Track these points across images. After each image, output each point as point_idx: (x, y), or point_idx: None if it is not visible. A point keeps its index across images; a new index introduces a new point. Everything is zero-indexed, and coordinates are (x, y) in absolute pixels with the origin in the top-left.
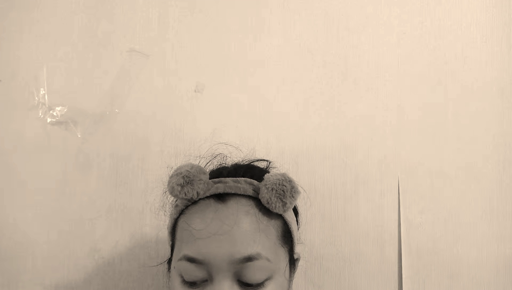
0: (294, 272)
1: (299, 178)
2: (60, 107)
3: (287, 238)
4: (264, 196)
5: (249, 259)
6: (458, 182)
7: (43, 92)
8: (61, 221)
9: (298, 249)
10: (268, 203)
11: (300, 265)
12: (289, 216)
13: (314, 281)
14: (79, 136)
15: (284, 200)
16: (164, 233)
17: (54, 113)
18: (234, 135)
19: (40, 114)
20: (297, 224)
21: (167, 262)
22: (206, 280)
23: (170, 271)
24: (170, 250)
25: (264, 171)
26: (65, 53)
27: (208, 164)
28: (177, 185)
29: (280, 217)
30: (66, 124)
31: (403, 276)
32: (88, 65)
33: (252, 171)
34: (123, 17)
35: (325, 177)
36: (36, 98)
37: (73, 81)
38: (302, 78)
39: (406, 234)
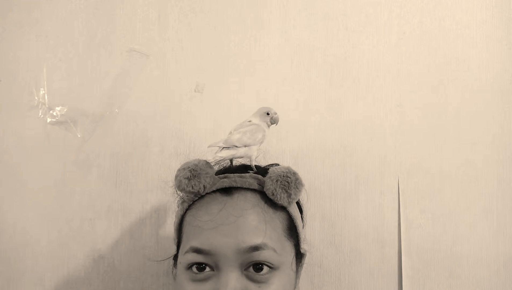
0: (301, 267)
1: None
2: (60, 107)
3: (292, 232)
4: (269, 187)
5: (255, 248)
6: (458, 182)
7: (43, 92)
8: (61, 221)
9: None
10: (273, 194)
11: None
12: (294, 211)
13: (314, 281)
14: (79, 136)
15: (289, 191)
16: (164, 233)
17: (54, 113)
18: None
19: (40, 114)
20: (302, 221)
21: (173, 258)
22: (213, 271)
23: (176, 267)
24: (176, 248)
25: (268, 168)
26: (65, 53)
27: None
28: (185, 178)
29: (284, 210)
30: (66, 124)
31: (403, 276)
32: (88, 65)
33: (256, 167)
34: (123, 17)
35: (325, 177)
36: (36, 98)
37: (73, 81)
38: (302, 78)
39: (406, 234)
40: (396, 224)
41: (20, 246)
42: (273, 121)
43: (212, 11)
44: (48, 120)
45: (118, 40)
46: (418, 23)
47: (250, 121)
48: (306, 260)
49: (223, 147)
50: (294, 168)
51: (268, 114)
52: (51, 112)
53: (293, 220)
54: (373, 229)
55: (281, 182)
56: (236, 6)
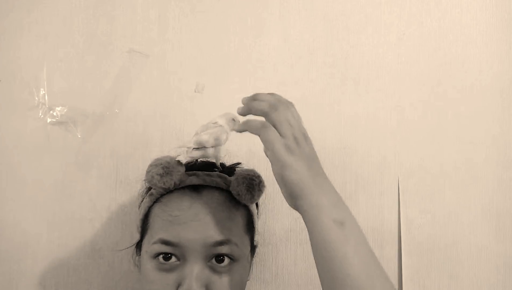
0: (253, 257)
1: None
2: (60, 107)
3: (250, 226)
4: (235, 188)
5: (220, 243)
6: (458, 182)
7: (43, 92)
8: (61, 221)
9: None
10: (238, 195)
11: (300, 265)
12: (253, 208)
13: (314, 281)
14: (79, 136)
15: (252, 192)
16: None
17: (54, 113)
18: (233, 136)
19: (40, 114)
20: (257, 215)
21: (136, 246)
22: (179, 261)
23: (140, 256)
24: (140, 236)
25: (233, 168)
26: (65, 53)
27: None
28: (157, 174)
29: (246, 208)
30: (66, 124)
31: (403, 276)
32: (88, 65)
33: (222, 166)
34: (123, 17)
35: None
36: (36, 98)
37: (73, 81)
38: (302, 78)
39: (406, 234)
40: (396, 224)
41: (20, 246)
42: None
43: (212, 11)
44: (48, 120)
45: (118, 40)
46: (418, 23)
47: (215, 123)
48: (307, 260)
49: (194, 148)
50: None
51: (234, 120)
52: (51, 112)
53: (252, 216)
54: (373, 229)
55: (246, 184)
56: (236, 6)
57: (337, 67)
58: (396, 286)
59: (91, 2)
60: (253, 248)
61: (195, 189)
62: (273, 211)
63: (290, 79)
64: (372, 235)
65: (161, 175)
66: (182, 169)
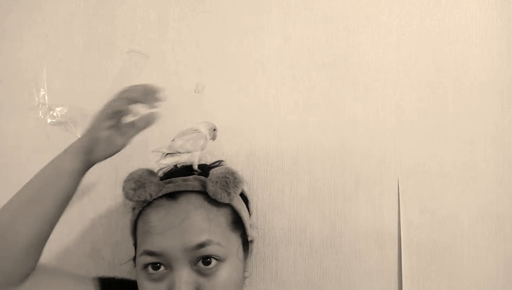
0: (250, 253)
1: (299, 178)
2: (60, 107)
3: (238, 224)
4: (210, 189)
5: (201, 245)
6: (458, 182)
7: (43, 92)
8: (61, 221)
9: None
10: (214, 195)
11: (300, 265)
12: (238, 204)
13: (314, 281)
14: (79, 136)
15: (228, 190)
16: None
17: (54, 114)
18: (234, 135)
19: (40, 115)
20: (248, 210)
21: (133, 260)
22: (166, 270)
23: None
24: (134, 250)
25: (213, 168)
26: (65, 53)
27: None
28: (130, 189)
29: (228, 206)
30: (66, 124)
31: (403, 276)
32: (88, 65)
33: (202, 166)
34: (123, 18)
35: (325, 177)
36: (36, 98)
37: (73, 81)
38: (302, 78)
39: (406, 234)
40: (396, 224)
41: None
42: (214, 138)
43: (212, 11)
44: (48, 120)
45: (118, 40)
46: (418, 23)
47: (196, 130)
48: (307, 260)
49: (167, 153)
50: (294, 168)
51: (214, 130)
52: (51, 112)
53: (237, 213)
54: (373, 229)
55: (220, 183)
56: (236, 6)
57: (337, 67)
58: (396, 286)
59: (91, 2)
60: (246, 244)
61: (172, 196)
62: (273, 212)
63: (289, 80)
64: (372, 235)
65: (135, 189)
66: (156, 179)
